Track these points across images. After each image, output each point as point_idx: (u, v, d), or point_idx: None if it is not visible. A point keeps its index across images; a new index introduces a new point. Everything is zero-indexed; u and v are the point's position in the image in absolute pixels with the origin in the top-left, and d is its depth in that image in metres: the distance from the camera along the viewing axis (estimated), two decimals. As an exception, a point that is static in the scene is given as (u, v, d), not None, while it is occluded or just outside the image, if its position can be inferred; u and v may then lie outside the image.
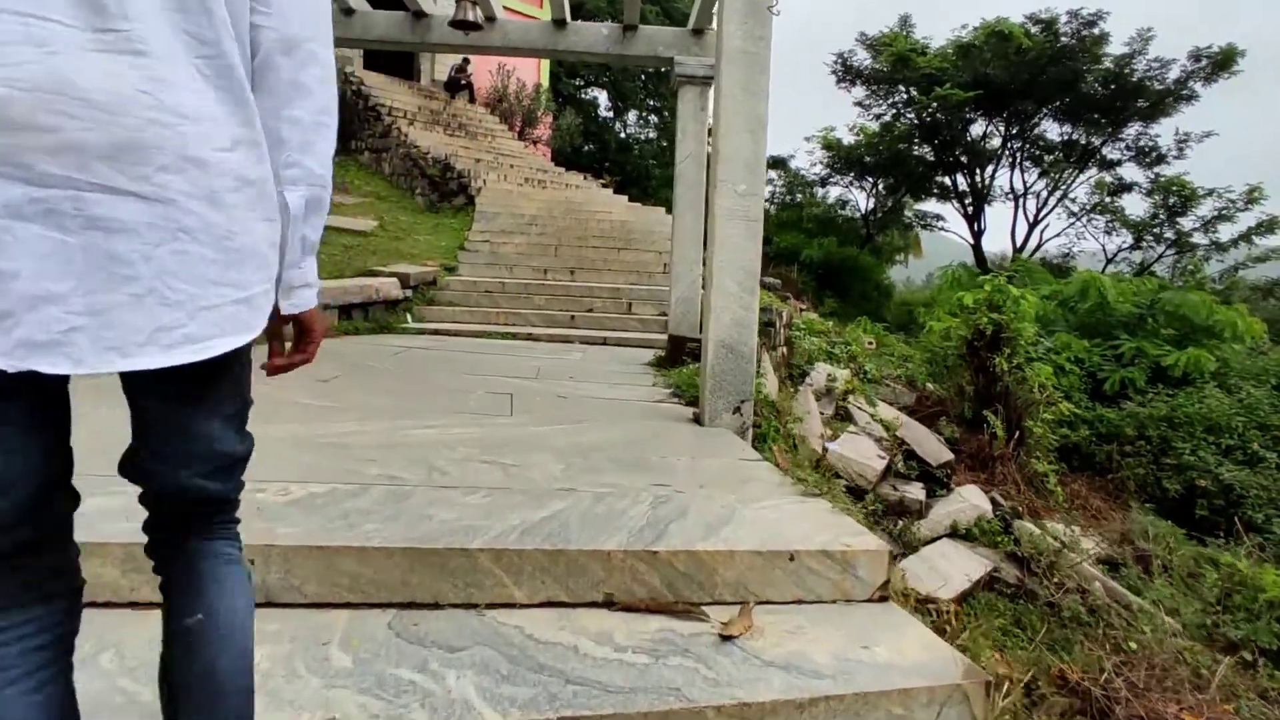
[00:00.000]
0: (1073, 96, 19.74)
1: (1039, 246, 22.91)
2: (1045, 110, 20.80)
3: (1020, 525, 5.97)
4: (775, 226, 22.04)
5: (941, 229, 24.65)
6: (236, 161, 0.99)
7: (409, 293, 8.32)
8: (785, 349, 7.88)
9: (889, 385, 9.33)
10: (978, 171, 22.76)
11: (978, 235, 23.14)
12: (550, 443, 3.23)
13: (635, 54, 6.41)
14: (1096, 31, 19.20)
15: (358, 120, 14.68)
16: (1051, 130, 21.67)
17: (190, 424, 1.08)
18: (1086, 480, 8.84)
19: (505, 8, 14.69)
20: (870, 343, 12.19)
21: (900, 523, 5.63)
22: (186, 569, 1.13)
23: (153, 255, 0.92)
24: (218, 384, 1.09)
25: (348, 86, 14.68)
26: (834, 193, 26.68)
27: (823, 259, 21.42)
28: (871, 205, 25.99)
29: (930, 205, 25.29)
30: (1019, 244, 22.82)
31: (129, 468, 1.12)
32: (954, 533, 5.80)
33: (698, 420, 3.98)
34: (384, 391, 4.32)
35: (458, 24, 5.44)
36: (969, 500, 6.16)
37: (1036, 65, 18.98)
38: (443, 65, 17.23)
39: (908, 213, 25.83)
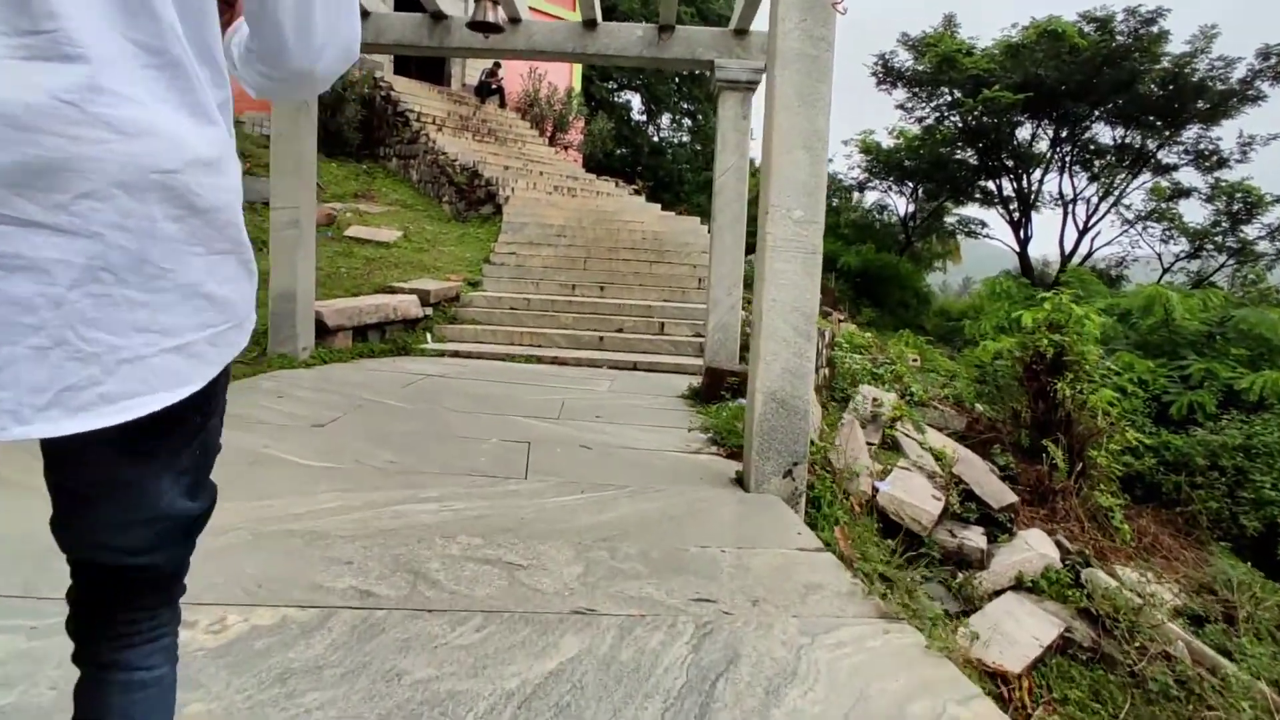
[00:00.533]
0: (1128, 98, 18.78)
1: (1089, 254, 21.95)
2: (1098, 112, 19.86)
3: (1091, 576, 5.36)
4: (812, 233, 21.35)
5: (987, 236, 23.77)
6: (184, 185, 0.83)
7: (429, 310, 7.87)
8: (828, 370, 7.33)
9: (936, 408, 8.72)
10: (1024, 176, 21.86)
11: (1024, 242, 22.24)
12: (569, 523, 2.70)
13: (672, 57, 5.87)
14: (1155, 30, 18.25)
15: (386, 126, 14.34)
16: (1104, 133, 20.72)
17: (131, 482, 0.90)
18: (1153, 513, 8.20)
19: (532, 9, 14.28)
20: (914, 359, 11.57)
21: (960, 575, 5.05)
22: (94, 691, 0.96)
23: (64, 300, 0.77)
24: (168, 437, 0.91)
25: (377, 92, 14.36)
26: (871, 197, 25.99)
27: (860, 266, 20.74)
28: (911, 210, 25.22)
29: (972, 210, 24.45)
30: (1068, 251, 21.88)
31: (54, 531, 0.94)
32: (1019, 584, 5.21)
33: (742, 483, 3.42)
34: (385, 440, 3.82)
35: (476, 25, 4.94)
36: (1035, 549, 5.53)
37: (1091, 65, 18.07)
38: (473, 69, 16.87)
39: (949, 218, 25.02)
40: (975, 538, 5.55)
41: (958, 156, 22.31)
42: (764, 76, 5.93)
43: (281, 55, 0.98)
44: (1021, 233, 22.04)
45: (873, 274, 21.33)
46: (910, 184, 24.42)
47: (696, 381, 6.11)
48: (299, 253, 5.96)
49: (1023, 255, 22.41)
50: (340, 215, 10.95)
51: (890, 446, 6.48)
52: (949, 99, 21.09)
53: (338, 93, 13.60)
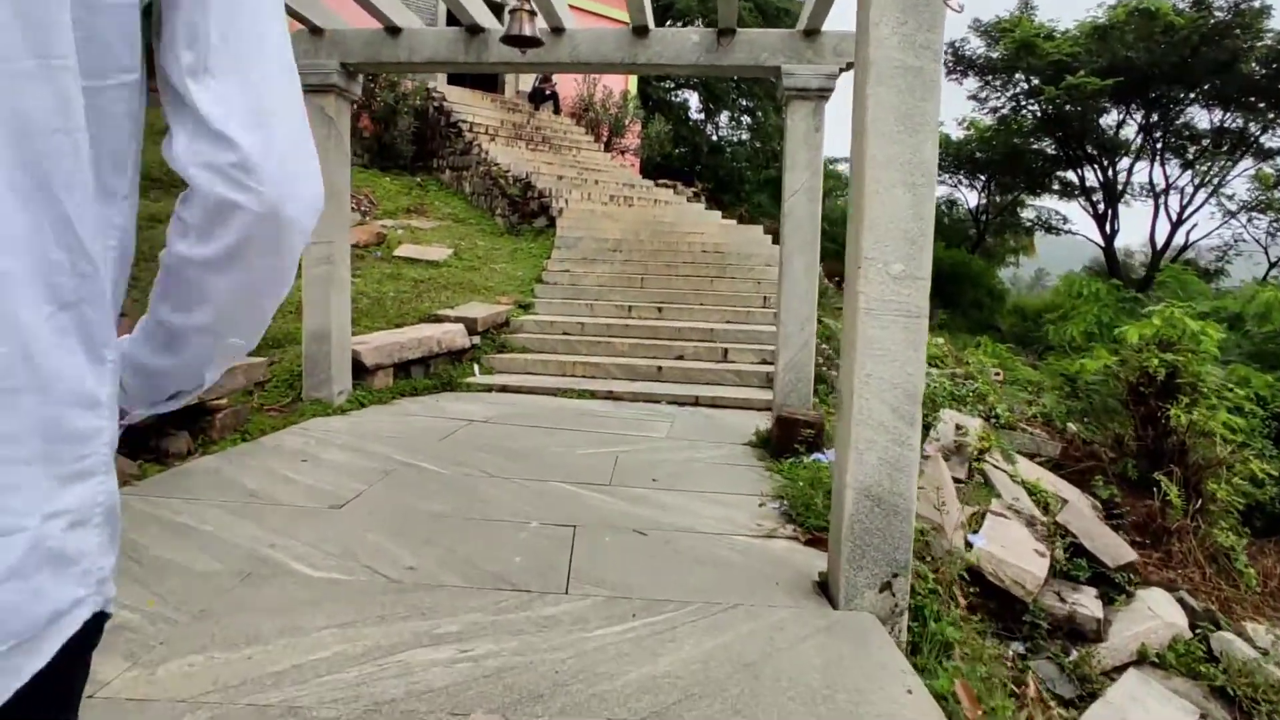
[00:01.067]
0: (1228, 79, 17.33)
1: (1185, 246, 20.43)
2: (1193, 95, 18.40)
3: (1225, 645, 4.57)
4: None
5: (1069, 231, 22.37)
6: None
7: (476, 339, 7.40)
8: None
9: (1025, 430, 7.92)
10: (1110, 166, 20.45)
11: (1109, 237, 20.81)
12: (614, 680, 2.13)
13: (732, 64, 5.25)
14: (1257, 4, 16.79)
15: (439, 138, 14.05)
16: (1200, 118, 19.23)
17: None
18: (1278, 550, 7.29)
19: (581, 9, 13.76)
20: (996, 373, 10.71)
21: (1074, 651, 4.33)
22: None
23: None
24: None
25: (430, 103, 14.07)
26: (939, 191, 24.80)
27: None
28: (983, 204, 23.96)
29: (1049, 202, 23.10)
30: (1160, 244, 20.39)
31: None
32: (1141, 658, 4.45)
33: (827, 591, 2.80)
34: (408, 529, 3.31)
35: (511, 40, 4.41)
36: (1160, 616, 4.74)
37: (1187, 45, 16.70)
38: (527, 76, 16.47)
39: (1024, 212, 23.69)
40: (1088, 603, 4.80)
41: (1035, 147, 21.06)
42: (837, 83, 5.27)
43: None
44: (1107, 225, 20.64)
45: (943, 273, 20.26)
46: (982, 177, 23.22)
47: (764, 423, 5.49)
48: (332, 290, 5.55)
49: (1108, 250, 20.99)
50: (390, 233, 10.64)
51: (978, 481, 5.81)
52: (1026, 87, 19.87)
53: (390, 105, 13.35)
